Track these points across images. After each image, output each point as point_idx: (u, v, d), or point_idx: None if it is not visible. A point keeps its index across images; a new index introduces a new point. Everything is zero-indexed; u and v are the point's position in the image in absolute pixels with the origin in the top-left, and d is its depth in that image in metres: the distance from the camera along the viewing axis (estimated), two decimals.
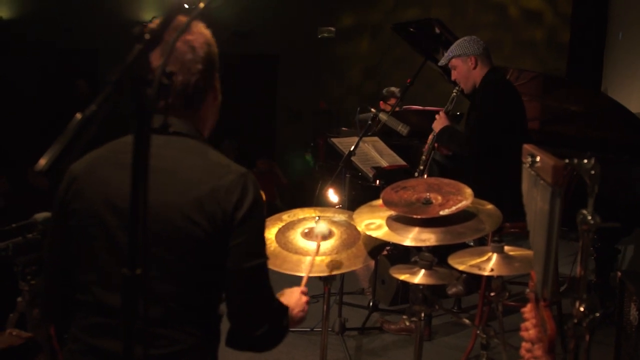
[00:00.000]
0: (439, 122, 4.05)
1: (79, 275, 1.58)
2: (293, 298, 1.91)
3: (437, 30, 4.57)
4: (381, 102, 6.65)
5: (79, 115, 1.00)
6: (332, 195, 5.25)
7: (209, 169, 1.56)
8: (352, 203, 4.05)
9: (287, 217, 2.64)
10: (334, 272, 2.31)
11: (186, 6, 1.22)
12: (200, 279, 1.54)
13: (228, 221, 1.52)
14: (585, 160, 1.49)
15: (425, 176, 4.30)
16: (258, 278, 1.60)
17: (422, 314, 2.59)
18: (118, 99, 1.06)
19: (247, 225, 1.54)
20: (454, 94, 4.10)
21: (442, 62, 4.12)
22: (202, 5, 1.21)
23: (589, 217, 1.48)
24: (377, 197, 2.66)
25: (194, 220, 1.49)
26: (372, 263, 4.50)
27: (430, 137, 4.11)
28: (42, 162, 0.94)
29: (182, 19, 1.38)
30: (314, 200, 5.27)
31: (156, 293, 1.49)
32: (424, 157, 4.08)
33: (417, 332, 2.59)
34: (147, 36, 1.11)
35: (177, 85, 1.58)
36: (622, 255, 4.78)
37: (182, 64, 1.58)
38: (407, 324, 2.57)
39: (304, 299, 1.94)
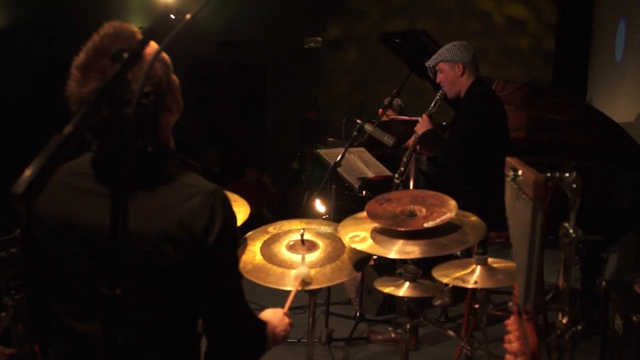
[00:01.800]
0: (422, 125, 4.02)
1: (52, 303, 1.57)
2: (276, 317, 1.91)
3: (423, 41, 4.58)
4: (380, 109, 6.66)
5: (56, 136, 1.00)
6: (319, 206, 5.26)
7: (175, 192, 1.49)
8: (339, 213, 4.06)
9: (272, 229, 2.63)
10: (319, 286, 2.30)
11: (172, 16, 1.21)
12: (175, 305, 1.51)
13: (199, 247, 1.47)
14: (567, 174, 1.50)
15: (412, 181, 4.32)
16: (235, 298, 1.59)
17: (408, 326, 2.59)
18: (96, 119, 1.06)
19: (220, 249, 1.50)
20: (438, 97, 4.09)
21: (429, 63, 4.08)
22: (188, 16, 1.20)
23: (571, 231, 1.49)
24: (362, 207, 2.66)
25: (163, 251, 1.44)
26: (359, 273, 4.50)
27: (412, 139, 4.11)
28: (19, 185, 0.92)
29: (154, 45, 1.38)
30: (301, 210, 5.28)
31: (131, 322, 1.46)
32: (404, 158, 4.07)
33: (402, 344, 2.59)
34: (125, 55, 1.11)
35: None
36: (606, 263, 4.80)
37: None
38: (393, 335, 2.56)
39: (287, 320, 1.94)
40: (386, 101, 6.22)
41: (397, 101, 6.71)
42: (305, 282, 2.26)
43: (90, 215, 1.47)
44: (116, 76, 1.07)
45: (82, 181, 1.53)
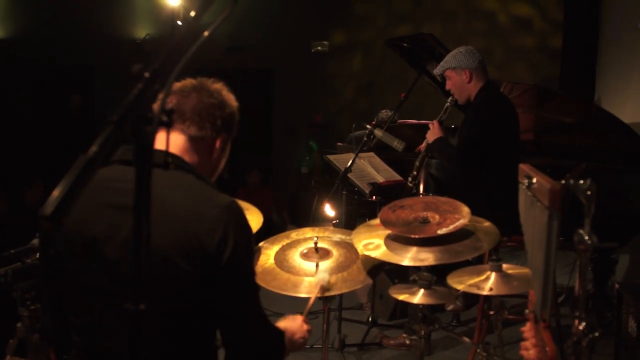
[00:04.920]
0: (433, 133, 4.00)
1: (71, 317, 1.58)
2: (295, 324, 1.93)
3: (430, 44, 4.58)
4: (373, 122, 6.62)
5: (82, 157, 1.01)
6: (329, 211, 5.26)
7: (192, 205, 1.49)
8: (349, 218, 4.06)
9: (295, 235, 2.62)
10: (332, 294, 2.31)
11: (179, 23, 1.22)
12: (192, 317, 1.52)
13: (213, 261, 1.46)
14: (582, 181, 1.50)
15: (422, 186, 4.31)
16: (252, 311, 1.59)
17: (422, 332, 2.59)
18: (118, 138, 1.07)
19: (235, 263, 1.49)
20: (448, 103, 4.07)
21: (436, 71, 4.06)
22: (206, 33, 1.21)
23: (586, 237, 1.49)
24: (372, 212, 2.66)
25: (177, 264, 1.45)
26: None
27: (424, 144, 4.11)
28: (47, 206, 0.93)
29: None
30: (311, 215, 5.28)
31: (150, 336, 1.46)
32: (417, 163, 4.08)
33: (417, 351, 2.59)
34: (146, 74, 1.12)
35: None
36: (617, 265, 4.78)
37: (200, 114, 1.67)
38: (407, 342, 2.57)
39: (305, 327, 1.96)
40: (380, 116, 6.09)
41: (385, 112, 6.59)
42: (324, 288, 2.26)
43: (107, 229, 1.48)
44: (138, 95, 1.08)
45: (106, 195, 1.54)
